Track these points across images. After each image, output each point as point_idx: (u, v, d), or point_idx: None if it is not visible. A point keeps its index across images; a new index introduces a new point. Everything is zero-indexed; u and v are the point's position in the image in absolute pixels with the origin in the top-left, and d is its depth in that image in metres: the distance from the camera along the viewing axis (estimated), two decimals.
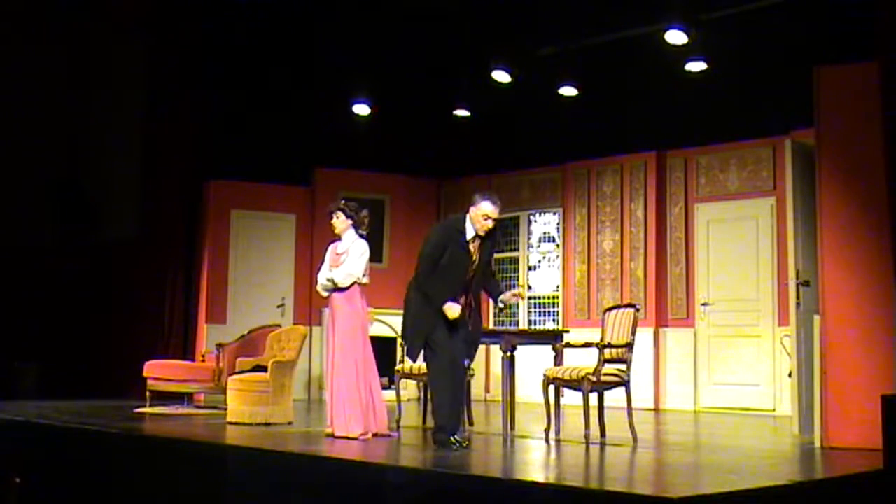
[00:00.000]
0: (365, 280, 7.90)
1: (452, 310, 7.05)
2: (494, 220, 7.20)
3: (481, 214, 7.17)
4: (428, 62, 12.20)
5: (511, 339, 8.07)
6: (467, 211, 7.25)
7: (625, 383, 7.67)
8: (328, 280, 7.84)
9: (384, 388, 11.09)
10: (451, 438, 7.03)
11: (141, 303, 12.22)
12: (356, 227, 7.97)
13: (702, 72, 10.54)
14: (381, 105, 12.42)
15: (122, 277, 12.51)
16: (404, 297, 7.39)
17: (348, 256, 7.85)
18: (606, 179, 12.50)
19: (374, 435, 7.73)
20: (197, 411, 10.40)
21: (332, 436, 7.65)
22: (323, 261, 8.06)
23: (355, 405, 7.69)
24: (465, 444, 7.04)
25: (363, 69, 12.12)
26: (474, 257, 7.24)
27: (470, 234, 7.22)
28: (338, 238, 8.00)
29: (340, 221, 7.94)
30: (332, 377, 7.79)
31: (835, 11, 9.00)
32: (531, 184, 13.32)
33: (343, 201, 8.13)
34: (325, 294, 7.95)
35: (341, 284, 7.78)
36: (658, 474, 6.21)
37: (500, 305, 7.65)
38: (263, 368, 9.20)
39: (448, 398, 7.11)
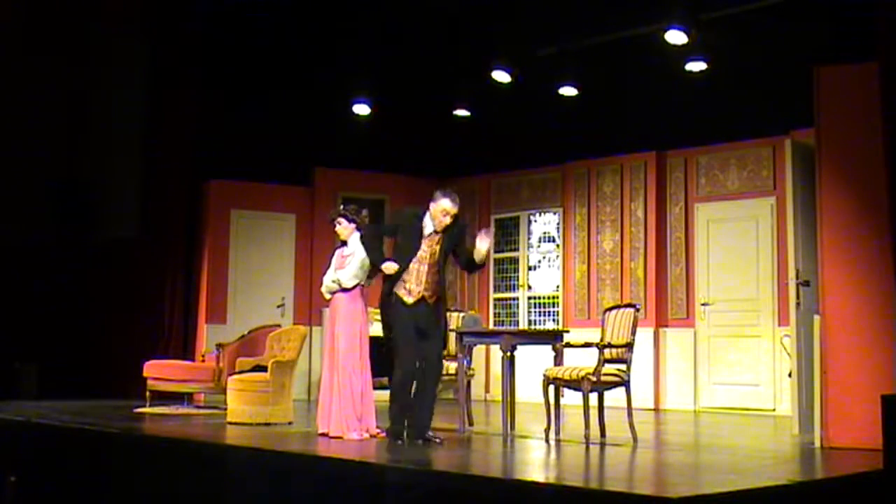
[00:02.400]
0: (369, 282, 7.91)
1: (389, 267, 7.24)
2: (453, 216, 7.34)
3: (440, 210, 7.31)
4: (428, 62, 12.19)
5: (511, 339, 8.08)
6: (427, 207, 7.37)
7: (625, 383, 7.67)
8: (333, 282, 7.85)
9: (384, 387, 11.14)
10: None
11: (141, 303, 12.21)
12: (359, 229, 7.99)
13: (702, 72, 10.54)
14: (381, 105, 12.42)
15: (122, 277, 12.50)
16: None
17: (354, 258, 7.86)
18: (606, 179, 12.50)
19: (371, 436, 7.74)
20: (197, 411, 10.40)
21: (326, 435, 7.64)
22: (329, 265, 8.07)
23: (356, 405, 7.69)
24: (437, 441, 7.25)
25: (363, 69, 12.12)
26: (432, 250, 7.38)
27: (428, 229, 7.33)
28: (343, 243, 8.02)
29: (344, 228, 7.97)
30: (330, 377, 7.79)
31: (835, 11, 9.00)
32: (531, 184, 13.32)
33: (343, 206, 8.17)
34: (328, 296, 7.96)
35: (346, 285, 7.80)
36: (658, 474, 6.22)
37: (479, 258, 7.44)
38: (263, 368, 9.20)
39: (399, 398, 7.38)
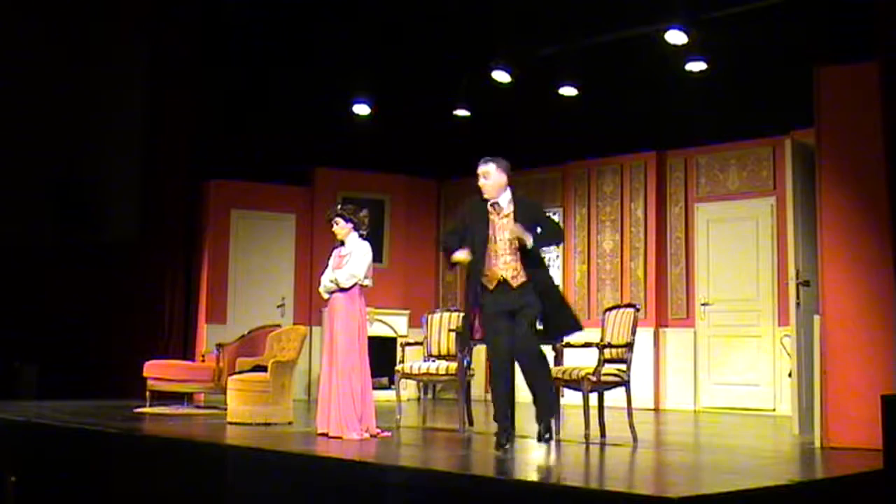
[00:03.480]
0: (367, 282, 7.90)
1: (459, 256, 6.86)
2: (484, 174, 7.17)
3: (479, 177, 7.21)
4: (428, 62, 12.19)
5: None
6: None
7: (625, 383, 7.67)
8: (331, 281, 7.85)
9: (384, 388, 11.15)
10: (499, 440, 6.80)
11: (141, 303, 12.20)
12: (357, 229, 7.99)
13: (702, 72, 10.54)
14: (381, 105, 12.41)
15: (122, 277, 12.50)
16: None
17: (351, 258, 7.86)
18: (606, 179, 12.50)
19: (371, 436, 7.74)
20: (197, 411, 10.40)
21: (326, 435, 7.64)
22: (327, 265, 8.07)
23: (356, 405, 7.69)
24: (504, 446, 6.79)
25: (363, 69, 12.12)
26: (497, 223, 6.97)
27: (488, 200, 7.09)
28: (341, 243, 8.01)
29: (341, 227, 7.96)
30: (329, 377, 7.78)
31: (835, 11, 9.00)
32: (531, 184, 13.30)
33: (340, 206, 8.14)
34: (326, 296, 7.95)
35: (343, 285, 7.78)
36: (658, 474, 6.22)
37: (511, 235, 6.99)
38: (263, 368, 9.20)
39: (493, 391, 7.04)
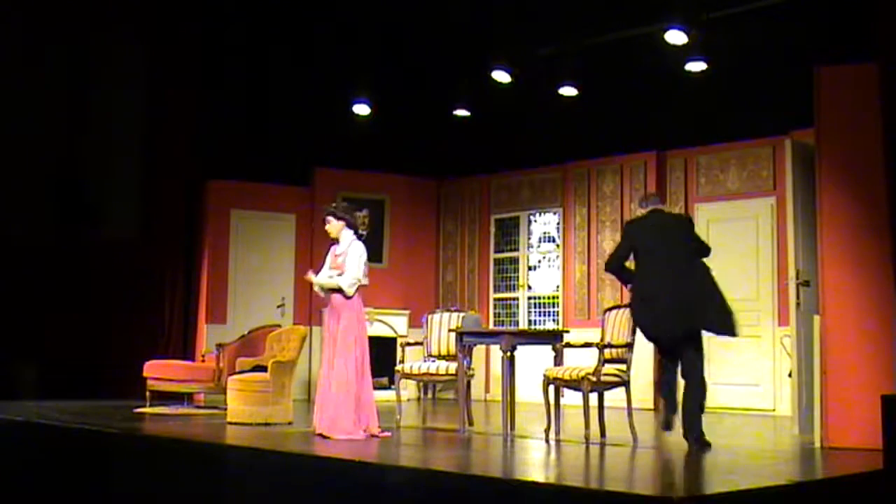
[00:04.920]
0: (365, 281, 7.91)
1: None
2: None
3: None
4: (428, 62, 12.19)
5: (511, 339, 8.07)
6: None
7: (625, 383, 7.68)
8: (329, 288, 7.82)
9: (384, 388, 11.15)
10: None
11: (141, 303, 12.20)
12: (352, 227, 7.97)
13: (702, 72, 10.54)
14: (381, 105, 12.42)
15: (122, 277, 12.49)
16: (697, 279, 7.61)
17: (346, 258, 7.85)
18: (606, 179, 12.50)
19: (371, 435, 7.73)
20: (197, 411, 10.40)
21: (323, 436, 7.63)
22: (323, 262, 8.06)
23: (356, 405, 7.69)
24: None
25: (363, 69, 12.12)
26: None
27: None
28: (335, 241, 8.01)
29: (332, 225, 7.96)
30: (329, 376, 7.78)
31: (835, 11, 9.01)
32: (531, 184, 13.31)
33: (333, 205, 8.12)
34: (322, 294, 7.95)
35: (349, 292, 7.78)
36: (658, 474, 6.22)
37: None
38: (263, 368, 9.20)
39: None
